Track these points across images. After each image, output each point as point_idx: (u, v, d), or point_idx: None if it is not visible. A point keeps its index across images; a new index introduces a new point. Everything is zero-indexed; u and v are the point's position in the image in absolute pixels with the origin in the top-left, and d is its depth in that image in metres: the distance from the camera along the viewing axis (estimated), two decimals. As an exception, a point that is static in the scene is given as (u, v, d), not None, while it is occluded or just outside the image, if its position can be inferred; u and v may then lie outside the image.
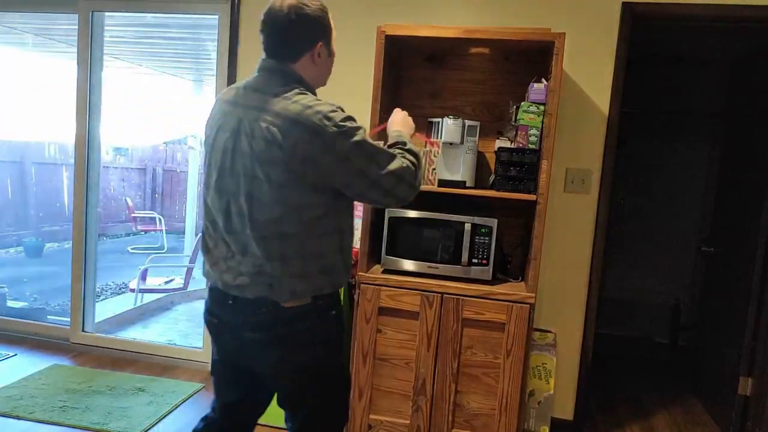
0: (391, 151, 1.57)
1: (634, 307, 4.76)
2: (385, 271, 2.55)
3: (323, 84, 1.66)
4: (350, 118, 1.49)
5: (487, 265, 2.46)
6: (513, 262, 2.76)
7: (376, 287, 2.49)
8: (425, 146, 2.52)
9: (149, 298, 4.96)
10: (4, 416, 2.68)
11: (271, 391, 1.74)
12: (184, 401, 2.96)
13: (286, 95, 1.48)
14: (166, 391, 3.04)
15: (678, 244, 4.64)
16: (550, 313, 2.90)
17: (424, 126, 2.65)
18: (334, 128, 1.44)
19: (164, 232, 7.83)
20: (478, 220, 2.45)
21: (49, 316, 4.07)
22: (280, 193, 1.45)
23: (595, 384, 3.33)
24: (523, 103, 2.44)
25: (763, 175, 2.88)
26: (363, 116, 2.54)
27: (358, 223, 2.53)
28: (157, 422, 2.72)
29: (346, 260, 1.62)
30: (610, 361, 4.12)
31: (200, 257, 4.78)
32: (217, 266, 1.58)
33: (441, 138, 2.51)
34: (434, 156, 2.51)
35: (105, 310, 4.44)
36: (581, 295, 2.86)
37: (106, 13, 3.49)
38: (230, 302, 1.55)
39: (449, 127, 2.49)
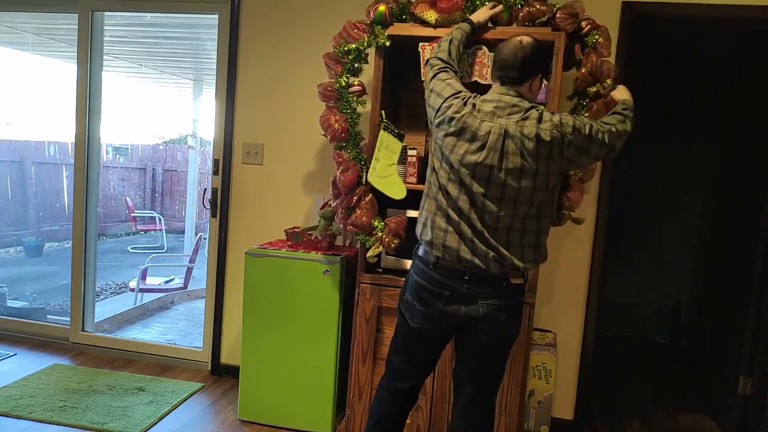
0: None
1: (634, 307, 4.75)
2: (385, 271, 2.54)
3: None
4: None
5: (487, 264, 2.46)
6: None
7: (376, 287, 2.49)
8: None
9: (149, 297, 4.95)
10: (4, 416, 2.68)
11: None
12: (184, 401, 2.96)
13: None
14: (166, 390, 3.04)
15: (678, 245, 4.64)
16: (550, 313, 2.90)
17: (424, 126, 2.64)
18: None
19: (164, 231, 7.84)
20: (478, 219, 2.44)
21: (49, 316, 4.07)
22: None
23: (595, 384, 3.33)
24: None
25: (763, 175, 2.88)
26: (363, 116, 2.54)
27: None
28: (157, 422, 2.72)
29: None
30: (611, 362, 4.11)
31: (201, 256, 4.80)
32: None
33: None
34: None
35: (105, 309, 4.45)
36: (581, 295, 2.86)
37: (106, 13, 3.49)
38: (467, 277, 1.85)
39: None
